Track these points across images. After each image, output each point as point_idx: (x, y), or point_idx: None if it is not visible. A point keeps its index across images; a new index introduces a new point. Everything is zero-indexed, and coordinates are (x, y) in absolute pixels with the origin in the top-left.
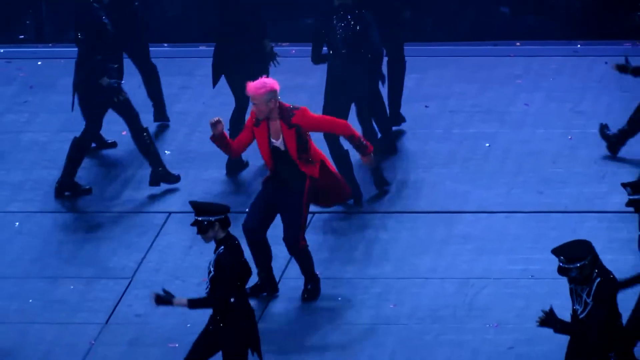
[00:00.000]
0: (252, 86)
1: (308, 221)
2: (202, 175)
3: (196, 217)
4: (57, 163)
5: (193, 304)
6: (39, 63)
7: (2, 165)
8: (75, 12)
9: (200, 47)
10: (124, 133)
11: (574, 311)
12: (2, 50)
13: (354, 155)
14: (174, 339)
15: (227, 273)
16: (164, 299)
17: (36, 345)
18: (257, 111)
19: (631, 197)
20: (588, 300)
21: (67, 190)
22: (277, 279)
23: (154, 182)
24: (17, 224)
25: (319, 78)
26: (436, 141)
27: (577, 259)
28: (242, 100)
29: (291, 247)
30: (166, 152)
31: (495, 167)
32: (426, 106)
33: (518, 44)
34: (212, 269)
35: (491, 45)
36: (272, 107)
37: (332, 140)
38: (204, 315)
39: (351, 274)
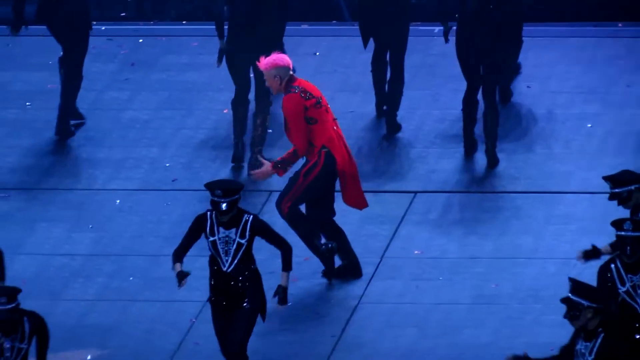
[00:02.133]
0: (262, 61)
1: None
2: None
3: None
4: (157, 141)
5: (287, 266)
6: (140, 40)
7: (103, 143)
8: None
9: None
10: (225, 111)
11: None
12: (103, 28)
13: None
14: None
15: (269, 225)
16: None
17: (137, 322)
18: (269, 86)
19: (612, 191)
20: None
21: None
22: (379, 259)
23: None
24: (117, 201)
25: None
26: (538, 121)
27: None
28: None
29: (278, 208)
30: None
31: (598, 148)
32: (528, 86)
33: (620, 24)
34: (247, 234)
35: (592, 26)
36: (281, 84)
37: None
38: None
39: (452, 253)
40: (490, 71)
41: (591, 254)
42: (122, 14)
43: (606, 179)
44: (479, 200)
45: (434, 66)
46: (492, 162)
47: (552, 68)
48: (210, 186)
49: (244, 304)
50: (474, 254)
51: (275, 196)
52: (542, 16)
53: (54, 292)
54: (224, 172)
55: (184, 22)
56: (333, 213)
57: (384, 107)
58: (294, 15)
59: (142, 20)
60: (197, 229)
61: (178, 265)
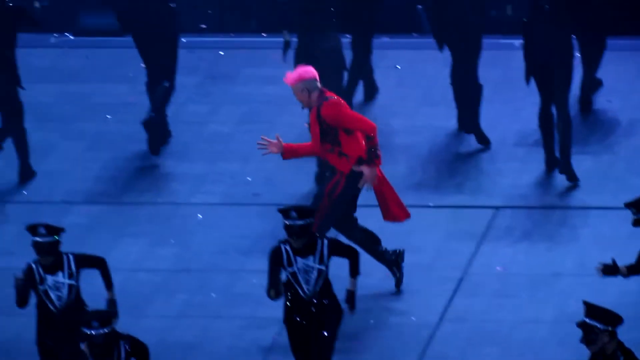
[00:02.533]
0: (289, 76)
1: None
2: None
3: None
4: (239, 155)
5: (356, 272)
6: (221, 53)
7: (185, 157)
8: None
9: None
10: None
11: None
12: (184, 40)
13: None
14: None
15: (341, 240)
16: None
17: (219, 339)
18: (299, 100)
19: (636, 217)
20: None
21: None
22: (461, 275)
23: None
24: (199, 216)
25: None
26: (619, 136)
27: None
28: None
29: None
30: None
31: None
32: (609, 100)
33: None
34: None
35: None
36: (311, 96)
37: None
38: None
39: (535, 269)
40: (559, 83)
41: (612, 269)
42: (203, 26)
43: (629, 205)
44: (561, 215)
45: (514, 80)
46: (569, 174)
47: (632, 83)
48: (284, 210)
49: (325, 318)
50: (556, 270)
51: (359, 211)
52: (624, 29)
53: (136, 308)
54: (307, 187)
55: (264, 34)
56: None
57: (468, 120)
58: (376, 27)
59: (223, 32)
60: (275, 263)
61: (272, 292)
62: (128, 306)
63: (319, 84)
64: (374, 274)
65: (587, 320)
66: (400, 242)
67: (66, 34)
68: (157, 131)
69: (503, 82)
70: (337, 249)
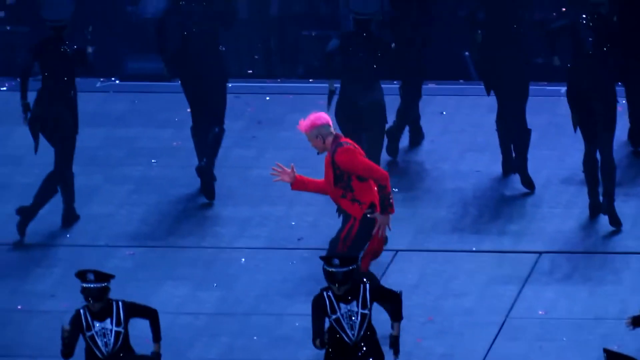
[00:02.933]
0: (302, 123)
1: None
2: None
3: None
4: (283, 199)
5: (398, 317)
6: (267, 98)
7: (230, 201)
8: None
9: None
10: None
11: None
12: (230, 85)
13: None
14: None
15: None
16: None
17: None
18: (313, 146)
19: None
20: None
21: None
22: (504, 319)
23: None
24: (243, 260)
25: None
26: None
27: None
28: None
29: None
30: None
31: None
32: None
33: None
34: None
35: None
36: (325, 141)
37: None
38: None
39: (577, 314)
40: (603, 128)
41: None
42: (250, 71)
43: None
44: (603, 260)
45: (561, 126)
46: (612, 218)
47: None
48: (327, 257)
49: None
50: (598, 314)
51: (401, 255)
52: None
53: (178, 352)
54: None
55: (311, 79)
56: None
57: (514, 164)
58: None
59: (270, 77)
60: (319, 311)
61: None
62: (170, 349)
63: (332, 129)
64: (416, 318)
65: None
66: (442, 286)
67: (112, 78)
68: (211, 177)
69: (549, 128)
70: (380, 293)
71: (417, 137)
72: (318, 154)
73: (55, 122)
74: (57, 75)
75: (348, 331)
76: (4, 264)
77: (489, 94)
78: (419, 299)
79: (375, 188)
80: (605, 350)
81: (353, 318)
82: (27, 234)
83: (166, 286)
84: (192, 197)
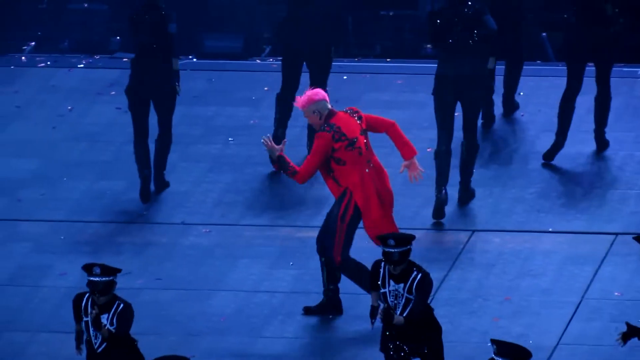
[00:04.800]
0: (298, 99)
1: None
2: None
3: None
4: None
5: (410, 315)
6: (344, 77)
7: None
8: None
9: None
10: (429, 150)
11: None
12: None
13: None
14: None
15: (430, 289)
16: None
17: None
18: (311, 123)
19: None
20: None
21: None
22: (580, 299)
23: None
24: None
25: None
26: None
27: None
28: None
29: (325, 256)
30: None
31: None
32: None
33: None
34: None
35: None
36: (321, 118)
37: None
38: None
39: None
40: None
41: (630, 333)
42: None
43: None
44: None
45: (638, 108)
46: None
47: None
48: (383, 237)
49: (424, 349)
50: None
51: (478, 235)
52: None
53: (254, 329)
54: (428, 212)
55: (388, 59)
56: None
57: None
58: (497, 54)
59: (347, 57)
60: (374, 275)
61: (374, 294)
62: (246, 327)
63: (329, 106)
64: (493, 298)
65: (496, 358)
66: (519, 266)
67: (189, 56)
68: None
69: (626, 110)
70: (422, 289)
71: (489, 120)
72: (316, 130)
73: (158, 88)
74: (157, 41)
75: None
76: (79, 241)
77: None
78: (496, 279)
79: (357, 175)
80: (492, 341)
81: (398, 298)
82: (103, 211)
83: (242, 264)
84: (268, 175)
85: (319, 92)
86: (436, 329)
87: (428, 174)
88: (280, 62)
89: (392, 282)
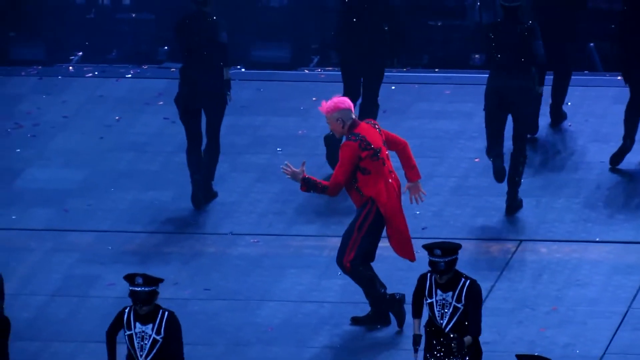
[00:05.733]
0: (324, 104)
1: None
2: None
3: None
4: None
5: (473, 331)
6: (393, 88)
7: None
8: None
9: None
10: (477, 160)
11: None
12: None
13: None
14: None
15: (481, 298)
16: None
17: None
18: (332, 130)
19: None
20: None
21: None
22: (626, 309)
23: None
24: None
25: None
26: None
27: None
28: None
29: (340, 265)
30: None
31: None
32: None
33: None
34: (463, 298)
35: None
36: (344, 126)
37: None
38: None
39: None
40: None
41: None
42: None
43: None
44: None
45: None
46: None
47: None
48: (429, 246)
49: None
50: None
51: (525, 245)
52: None
53: (302, 340)
54: (476, 222)
55: (436, 69)
56: (372, 259)
57: None
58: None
59: (395, 67)
60: (419, 290)
61: (417, 322)
62: (293, 337)
63: (353, 116)
64: (540, 307)
65: None
66: (566, 276)
67: (238, 66)
68: (336, 146)
69: None
70: (473, 298)
71: (558, 119)
72: (337, 137)
73: (209, 97)
74: (208, 50)
75: (438, 319)
76: (126, 251)
77: (627, 84)
78: (543, 289)
79: (382, 184)
80: (518, 356)
81: (446, 308)
82: (150, 221)
83: (290, 274)
84: None
85: (346, 101)
86: (476, 352)
87: (476, 184)
88: (329, 73)
89: (439, 292)
